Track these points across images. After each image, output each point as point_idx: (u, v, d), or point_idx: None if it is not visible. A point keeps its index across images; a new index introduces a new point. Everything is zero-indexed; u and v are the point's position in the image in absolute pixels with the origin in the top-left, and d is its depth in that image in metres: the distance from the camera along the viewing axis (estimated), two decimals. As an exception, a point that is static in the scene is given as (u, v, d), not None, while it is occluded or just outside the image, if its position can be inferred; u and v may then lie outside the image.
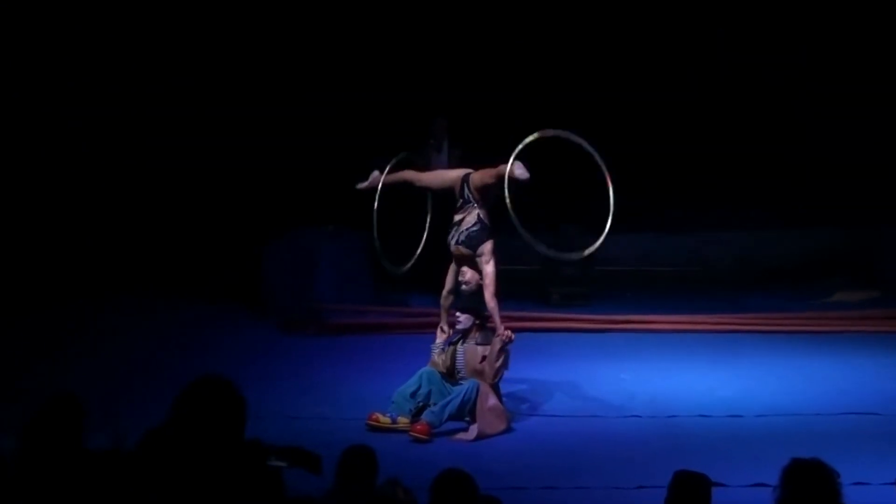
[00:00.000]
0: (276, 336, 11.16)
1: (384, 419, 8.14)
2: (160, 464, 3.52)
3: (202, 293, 12.47)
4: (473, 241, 8.43)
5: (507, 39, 14.12)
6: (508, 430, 8.22)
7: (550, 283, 12.51)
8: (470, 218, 8.47)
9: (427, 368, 8.44)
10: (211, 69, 13.51)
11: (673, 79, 14.21)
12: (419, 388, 8.34)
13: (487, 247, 8.41)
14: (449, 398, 8.17)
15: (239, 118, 13.49)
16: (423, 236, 8.89)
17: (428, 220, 8.98)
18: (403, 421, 8.13)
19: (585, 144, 8.37)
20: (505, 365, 8.33)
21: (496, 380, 8.30)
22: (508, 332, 8.30)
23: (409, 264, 8.75)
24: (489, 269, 8.37)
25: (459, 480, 4.46)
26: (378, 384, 9.14)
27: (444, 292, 8.67)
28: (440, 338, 8.61)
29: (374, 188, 8.76)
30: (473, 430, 8.08)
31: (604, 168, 8.27)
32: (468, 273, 8.46)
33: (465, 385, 8.22)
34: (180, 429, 3.46)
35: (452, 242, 8.51)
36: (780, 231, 13.81)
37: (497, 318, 8.35)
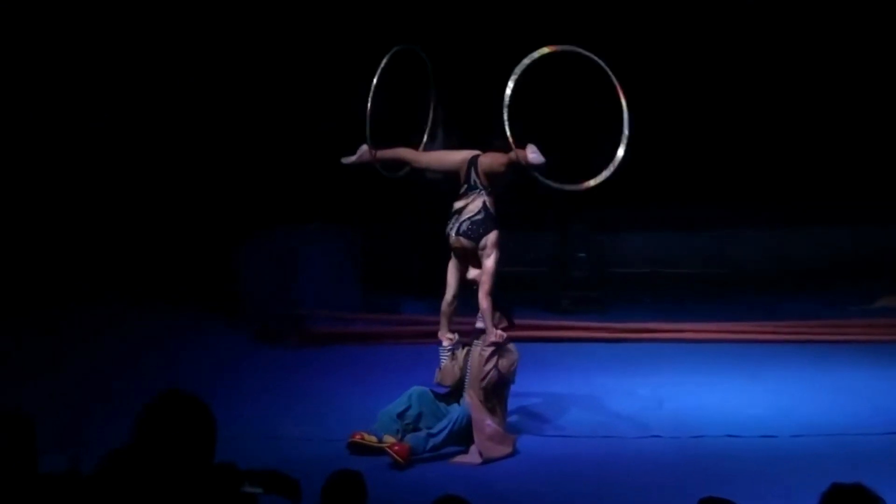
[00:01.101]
0: (253, 346, 11.17)
1: (370, 437, 8.03)
2: (121, 489, 3.52)
3: (170, 299, 12.49)
4: (477, 232, 8.28)
5: (515, 18, 14.16)
6: (513, 453, 8.21)
7: (559, 288, 12.53)
8: (473, 205, 8.34)
9: (418, 388, 8.36)
10: (181, 57, 13.55)
11: (694, 73, 14.27)
12: (408, 408, 8.25)
13: (492, 238, 8.27)
14: (436, 428, 8.05)
15: (211, 104, 13.50)
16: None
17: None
18: (390, 440, 8.01)
19: (595, 58, 8.22)
20: (509, 375, 8.27)
21: (483, 385, 8.15)
22: (500, 333, 8.20)
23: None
24: (489, 263, 8.23)
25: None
26: (366, 400, 9.14)
27: (447, 297, 8.49)
28: (447, 342, 8.50)
29: (361, 163, 8.72)
30: (475, 452, 8.06)
31: (616, 83, 8.16)
32: (474, 272, 8.34)
33: (455, 413, 8.13)
34: (143, 450, 3.46)
35: (452, 233, 8.35)
36: (815, 228, 13.84)
37: (488, 320, 8.22)
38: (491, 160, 8.40)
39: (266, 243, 12.06)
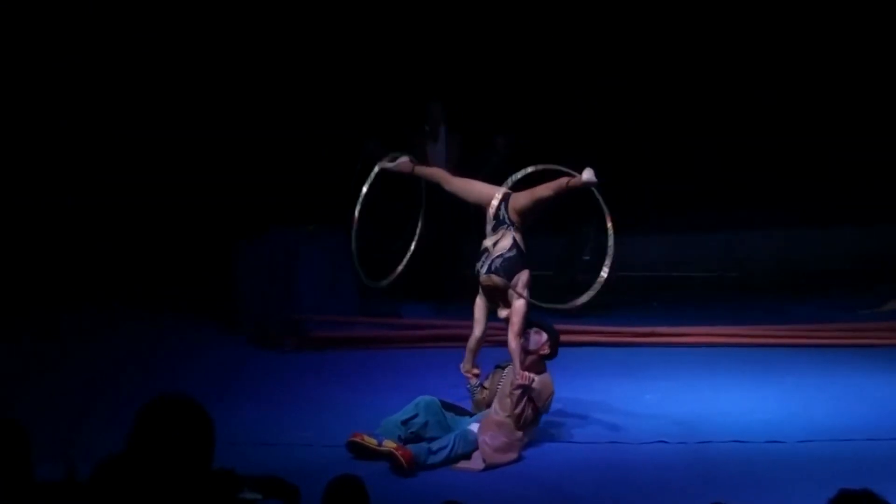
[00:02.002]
0: (250, 351, 11.16)
1: (369, 439, 8.00)
2: (117, 496, 3.53)
3: (166, 303, 12.48)
4: (509, 269, 8.39)
5: (514, 18, 14.20)
6: (518, 459, 8.22)
7: (565, 290, 12.51)
8: (505, 242, 8.44)
9: (426, 397, 8.35)
10: (179, 59, 13.58)
11: (701, 67, 14.31)
12: (414, 416, 8.24)
13: (524, 277, 8.40)
14: (436, 446, 8.01)
15: (208, 107, 13.53)
16: (412, 241, 8.90)
17: (420, 221, 9.00)
18: (390, 445, 7.97)
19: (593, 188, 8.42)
20: (544, 409, 8.30)
21: (520, 425, 8.18)
22: (528, 375, 8.22)
23: (391, 278, 8.74)
24: (520, 303, 8.34)
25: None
26: (366, 405, 9.15)
27: (475, 333, 8.58)
28: (473, 378, 8.56)
29: (399, 174, 8.84)
30: (478, 458, 8.06)
31: (605, 208, 8.42)
32: (505, 312, 8.43)
33: (452, 435, 8.07)
34: (139, 456, 3.46)
35: (483, 271, 8.45)
36: (824, 231, 13.85)
37: (517, 361, 8.28)
38: (528, 196, 8.50)
39: (264, 246, 12.06)
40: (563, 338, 11.29)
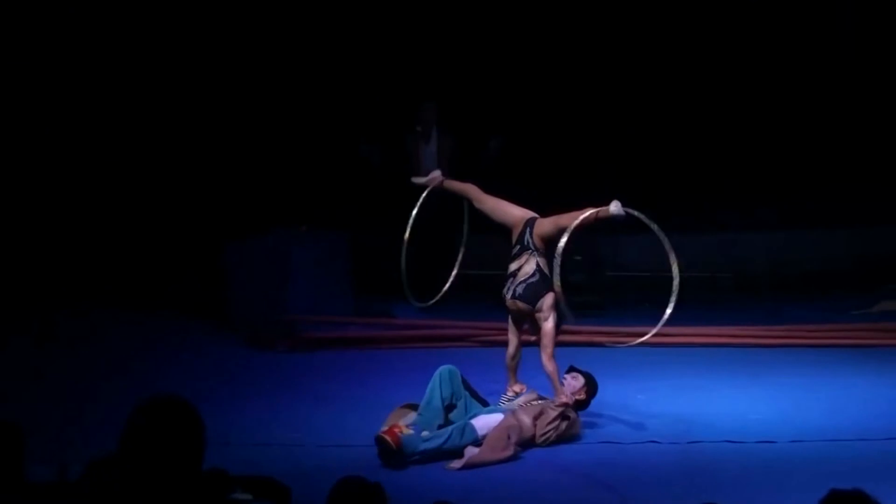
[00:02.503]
0: (243, 352, 11.17)
1: (407, 430, 7.94)
2: (107, 497, 3.54)
3: (158, 303, 12.48)
4: (532, 295, 8.58)
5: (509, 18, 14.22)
6: (514, 457, 8.20)
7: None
8: (528, 267, 8.62)
9: (447, 367, 8.35)
10: (170, 56, 13.58)
11: (696, 60, 14.33)
12: (451, 394, 8.24)
13: (548, 301, 8.56)
14: (431, 436, 8.02)
15: (200, 106, 13.53)
16: (455, 261, 9.01)
17: (464, 239, 9.14)
18: (426, 435, 8.01)
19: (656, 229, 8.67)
20: (565, 438, 8.36)
21: (541, 443, 8.28)
22: (571, 396, 8.38)
23: (437, 297, 8.84)
24: (548, 326, 8.53)
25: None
26: (360, 406, 9.16)
27: (510, 351, 8.78)
28: (519, 388, 8.73)
29: (429, 188, 9.05)
30: (470, 452, 8.06)
31: (668, 247, 8.66)
32: (536, 338, 8.63)
33: (453, 427, 8.09)
34: (130, 457, 3.47)
35: (508, 296, 8.66)
36: (815, 231, 13.87)
37: (557, 382, 8.47)
38: (553, 223, 8.64)
39: (256, 247, 12.06)
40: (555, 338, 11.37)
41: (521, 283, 8.60)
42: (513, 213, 8.84)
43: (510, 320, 8.80)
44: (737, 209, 14.05)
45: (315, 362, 10.84)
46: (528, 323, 8.68)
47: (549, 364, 8.52)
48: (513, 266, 8.67)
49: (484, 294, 12.30)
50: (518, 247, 8.68)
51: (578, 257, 12.71)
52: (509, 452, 8.14)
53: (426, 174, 12.93)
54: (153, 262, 13.01)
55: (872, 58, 14.26)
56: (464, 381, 8.46)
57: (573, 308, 12.32)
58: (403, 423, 8.09)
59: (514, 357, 8.79)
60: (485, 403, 8.55)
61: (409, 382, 9.42)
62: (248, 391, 9.81)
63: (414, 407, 8.32)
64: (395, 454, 7.82)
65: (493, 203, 8.98)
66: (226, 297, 12.03)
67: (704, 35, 14.37)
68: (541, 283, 8.57)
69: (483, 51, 14.13)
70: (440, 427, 8.16)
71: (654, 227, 8.64)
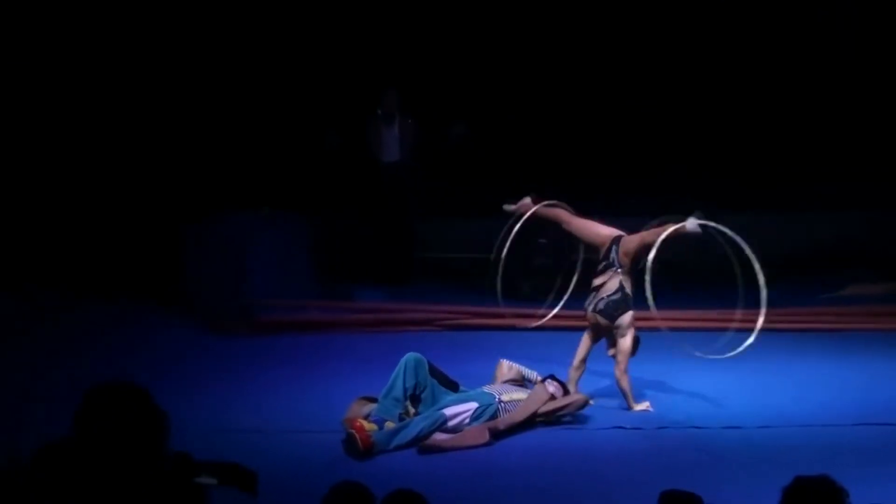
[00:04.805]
0: (202, 337, 11.15)
1: (369, 425, 8.00)
2: (59, 480, 3.53)
3: (111, 287, 12.42)
4: (613, 312, 8.97)
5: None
6: (488, 443, 8.22)
7: (520, 274, 12.54)
8: (611, 284, 9.01)
9: (412, 356, 8.43)
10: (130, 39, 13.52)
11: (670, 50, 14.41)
12: (415, 384, 8.33)
13: (627, 318, 8.94)
14: (404, 427, 8.07)
15: (155, 83, 13.45)
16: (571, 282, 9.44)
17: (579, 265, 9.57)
18: (391, 426, 8.08)
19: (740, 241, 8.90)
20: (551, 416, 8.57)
21: (544, 418, 8.53)
22: (646, 407, 8.84)
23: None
24: (625, 343, 8.92)
25: (409, 501, 4.48)
26: (321, 391, 9.16)
27: (575, 362, 9.09)
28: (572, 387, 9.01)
29: (520, 215, 9.28)
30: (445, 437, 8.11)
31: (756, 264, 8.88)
32: (612, 350, 9.00)
33: (423, 419, 8.14)
34: (82, 441, 3.46)
35: (589, 309, 9.06)
36: (782, 216, 13.93)
37: (629, 396, 8.87)
38: (639, 240, 9.00)
39: (214, 229, 12.02)
40: (522, 322, 11.40)
41: (602, 298, 9.00)
42: (600, 232, 9.24)
43: (586, 332, 9.13)
44: (701, 193, 14.07)
45: (275, 346, 10.83)
46: (606, 337, 9.03)
47: (622, 379, 8.88)
48: (597, 281, 9.07)
49: (446, 277, 12.33)
50: (604, 263, 9.07)
51: (544, 240, 12.74)
52: (484, 439, 8.18)
53: (389, 157, 12.98)
54: (111, 247, 12.93)
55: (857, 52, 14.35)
56: (431, 368, 8.49)
57: (534, 291, 12.48)
58: (363, 414, 8.10)
59: (577, 368, 9.11)
60: (455, 387, 8.56)
61: (371, 367, 9.42)
62: (207, 376, 9.79)
63: (373, 400, 8.36)
64: (364, 454, 7.84)
65: (581, 224, 9.36)
66: (182, 280, 11.99)
67: (694, 28, 14.42)
68: (622, 301, 8.96)
69: (445, 38, 14.14)
70: (401, 416, 8.16)
71: (739, 239, 8.95)
